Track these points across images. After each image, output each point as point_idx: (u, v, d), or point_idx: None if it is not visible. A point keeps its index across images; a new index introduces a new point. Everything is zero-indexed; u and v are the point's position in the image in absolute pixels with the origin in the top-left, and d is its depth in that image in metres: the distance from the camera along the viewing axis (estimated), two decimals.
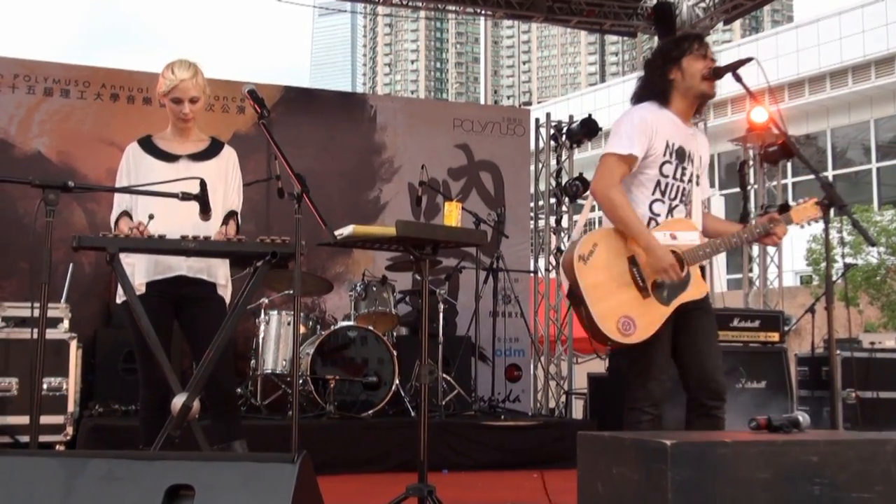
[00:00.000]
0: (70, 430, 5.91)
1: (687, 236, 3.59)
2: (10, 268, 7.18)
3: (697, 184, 3.74)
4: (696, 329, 3.63)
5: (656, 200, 3.65)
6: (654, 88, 3.72)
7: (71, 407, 5.95)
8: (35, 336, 3.16)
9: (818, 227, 3.65)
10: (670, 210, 3.67)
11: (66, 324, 6.09)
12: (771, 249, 9.87)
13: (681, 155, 3.68)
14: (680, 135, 3.68)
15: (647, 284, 3.51)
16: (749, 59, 3.63)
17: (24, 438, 5.36)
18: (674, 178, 3.67)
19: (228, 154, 4.10)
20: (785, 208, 3.67)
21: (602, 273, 3.49)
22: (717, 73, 3.64)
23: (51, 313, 5.81)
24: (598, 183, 3.62)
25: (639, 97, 3.77)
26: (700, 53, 3.66)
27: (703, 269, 3.68)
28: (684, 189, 3.70)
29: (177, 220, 3.68)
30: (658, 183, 3.65)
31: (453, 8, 10.28)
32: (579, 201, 9.37)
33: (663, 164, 3.64)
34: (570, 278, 3.50)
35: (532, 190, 9.60)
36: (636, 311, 3.47)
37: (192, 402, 3.49)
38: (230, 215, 4.03)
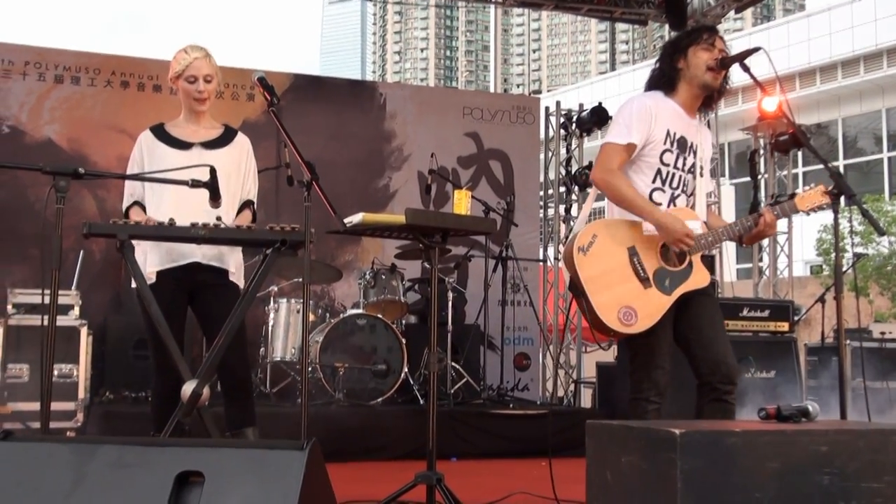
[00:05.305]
0: (81, 416, 5.95)
1: (689, 225, 3.58)
2: (20, 254, 7.21)
3: (701, 175, 3.74)
4: (700, 315, 3.61)
5: (657, 189, 3.65)
6: (662, 76, 3.74)
7: (81, 394, 5.98)
8: (46, 323, 3.17)
9: (828, 217, 3.64)
10: (672, 199, 3.66)
11: (76, 311, 6.12)
12: (781, 238, 9.83)
13: (682, 145, 3.68)
14: (682, 125, 3.68)
15: (648, 275, 3.51)
16: (757, 49, 3.61)
17: (35, 425, 5.38)
18: (675, 167, 3.67)
19: (242, 142, 4.09)
20: (793, 198, 3.66)
21: (602, 264, 3.49)
22: (724, 62, 3.63)
23: (61, 300, 5.84)
24: (597, 171, 3.64)
25: (649, 84, 3.80)
26: (708, 44, 3.65)
27: (712, 259, 3.67)
28: (686, 179, 3.70)
29: (190, 208, 3.68)
30: (659, 171, 3.65)
31: None
32: (588, 190, 9.36)
33: (664, 152, 3.64)
34: (570, 270, 3.50)
35: (542, 178, 9.60)
36: (637, 302, 3.47)
37: (202, 389, 3.50)
38: (246, 205, 4.02)
